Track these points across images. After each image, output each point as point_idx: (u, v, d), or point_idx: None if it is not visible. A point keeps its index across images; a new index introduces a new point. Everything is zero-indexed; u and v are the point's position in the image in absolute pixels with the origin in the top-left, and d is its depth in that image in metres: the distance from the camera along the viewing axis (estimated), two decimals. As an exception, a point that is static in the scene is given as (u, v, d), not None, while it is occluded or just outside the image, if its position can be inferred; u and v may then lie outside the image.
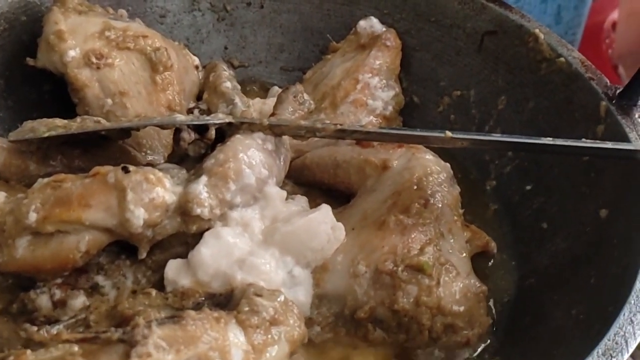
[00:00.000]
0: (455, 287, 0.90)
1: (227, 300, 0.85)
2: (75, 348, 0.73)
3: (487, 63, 1.18)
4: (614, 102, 1.00)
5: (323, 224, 0.92)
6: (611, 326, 0.76)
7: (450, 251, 0.93)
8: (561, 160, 1.05)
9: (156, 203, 0.86)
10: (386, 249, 0.91)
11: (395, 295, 0.89)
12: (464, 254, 0.96)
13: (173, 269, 0.89)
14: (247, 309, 0.80)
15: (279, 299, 0.83)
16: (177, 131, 0.95)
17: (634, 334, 0.76)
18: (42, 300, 0.88)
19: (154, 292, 0.86)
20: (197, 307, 0.82)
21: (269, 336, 0.79)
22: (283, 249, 0.91)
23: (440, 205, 0.96)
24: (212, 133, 0.95)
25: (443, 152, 1.03)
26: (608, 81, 1.04)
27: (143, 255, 0.89)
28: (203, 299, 0.86)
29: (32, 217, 0.85)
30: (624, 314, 0.77)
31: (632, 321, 0.77)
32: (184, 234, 0.89)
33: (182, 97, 1.14)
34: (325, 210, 0.94)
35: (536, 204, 1.07)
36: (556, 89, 1.08)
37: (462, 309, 0.90)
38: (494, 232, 1.08)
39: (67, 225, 0.85)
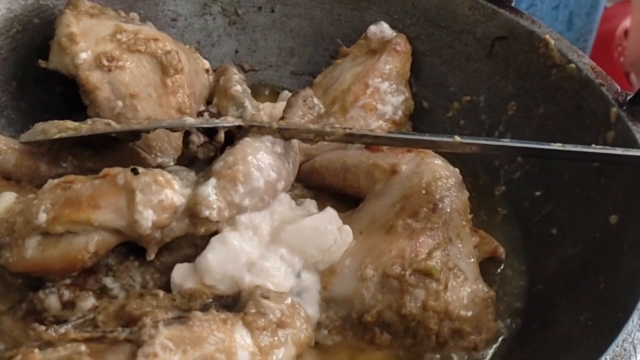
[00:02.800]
0: (463, 292, 0.90)
1: (234, 302, 0.85)
2: (83, 347, 0.73)
3: (498, 69, 1.18)
4: (624, 108, 1.00)
5: (329, 225, 0.92)
6: (620, 332, 0.75)
7: (459, 256, 0.93)
8: (571, 166, 1.05)
9: (165, 205, 0.86)
10: (394, 253, 0.91)
11: (402, 299, 0.89)
12: (472, 259, 0.96)
13: (180, 273, 0.90)
14: (254, 310, 0.80)
15: (286, 302, 0.83)
16: (187, 134, 0.95)
17: (643, 340, 0.76)
18: (51, 301, 0.89)
19: (161, 293, 0.86)
20: (205, 308, 0.83)
21: (276, 338, 0.79)
22: (291, 249, 0.91)
23: (448, 210, 0.95)
24: (222, 136, 0.95)
25: (452, 157, 1.03)
26: (619, 87, 1.03)
27: (151, 256, 0.89)
28: (210, 300, 0.86)
29: (42, 217, 0.85)
30: (633, 320, 0.77)
31: (641, 328, 0.76)
32: (193, 235, 0.89)
33: (192, 100, 1.14)
34: (330, 211, 0.94)
35: (546, 209, 1.06)
36: (566, 94, 1.08)
37: (469, 314, 0.90)
38: (503, 238, 1.08)
39: (76, 226, 0.86)
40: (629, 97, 1.01)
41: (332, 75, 1.27)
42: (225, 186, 0.88)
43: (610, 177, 0.98)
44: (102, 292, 0.91)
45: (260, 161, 0.91)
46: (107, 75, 1.07)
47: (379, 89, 1.20)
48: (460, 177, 1.01)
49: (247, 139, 0.93)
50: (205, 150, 0.97)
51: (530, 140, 1.09)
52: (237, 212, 0.90)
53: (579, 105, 1.06)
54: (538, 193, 1.09)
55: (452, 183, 0.98)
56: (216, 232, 0.90)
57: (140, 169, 0.88)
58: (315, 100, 1.08)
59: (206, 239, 0.90)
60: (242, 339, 0.77)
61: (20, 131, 1.15)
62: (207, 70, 1.21)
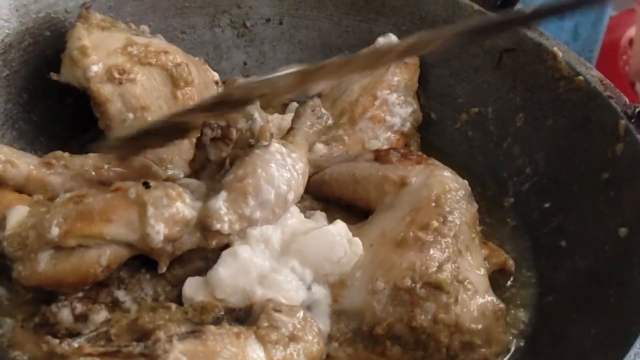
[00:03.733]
0: (473, 305, 0.90)
1: (246, 315, 0.85)
2: None
3: (505, 80, 1.18)
4: (633, 120, 1.00)
5: (338, 237, 0.93)
6: (632, 346, 0.76)
7: (469, 268, 0.93)
8: (579, 178, 1.05)
9: (176, 218, 0.87)
10: (404, 266, 0.91)
11: (413, 312, 0.89)
12: (482, 271, 0.96)
13: (191, 287, 0.90)
14: (266, 324, 0.80)
15: (298, 315, 0.83)
16: (200, 135, 0.96)
17: (654, 355, 0.76)
18: (64, 314, 0.89)
19: (174, 306, 0.87)
20: (217, 322, 0.83)
21: (288, 352, 0.80)
22: (301, 260, 0.92)
23: (458, 223, 0.96)
24: (234, 133, 0.96)
25: (461, 169, 1.04)
26: (627, 100, 1.03)
27: (163, 269, 0.90)
28: (222, 313, 0.86)
29: (55, 231, 0.86)
30: (645, 335, 0.77)
31: (651, 342, 0.76)
32: (204, 249, 0.90)
33: (202, 113, 1.15)
34: (340, 224, 0.95)
35: (555, 221, 1.07)
36: (575, 107, 1.09)
37: (479, 327, 0.90)
38: (512, 249, 1.08)
39: (88, 240, 0.87)
40: (637, 110, 1.01)
41: (340, 87, 1.27)
42: (235, 199, 0.89)
43: (620, 189, 0.98)
44: (115, 305, 0.91)
45: (270, 174, 0.91)
46: (118, 87, 1.08)
47: (387, 101, 1.20)
48: (469, 189, 1.01)
49: (257, 151, 0.93)
50: (217, 151, 0.98)
51: (539, 152, 1.11)
52: (248, 224, 0.91)
53: (587, 118, 1.06)
54: (547, 205, 1.09)
55: (461, 195, 0.99)
56: (227, 245, 0.91)
57: (152, 183, 0.89)
58: (323, 110, 1.08)
59: (217, 252, 0.91)
60: (254, 352, 0.77)
61: (32, 143, 1.16)
62: (216, 82, 1.22)
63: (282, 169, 0.93)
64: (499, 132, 1.20)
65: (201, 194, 0.92)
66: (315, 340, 0.83)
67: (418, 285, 0.90)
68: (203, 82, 1.17)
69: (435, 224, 0.94)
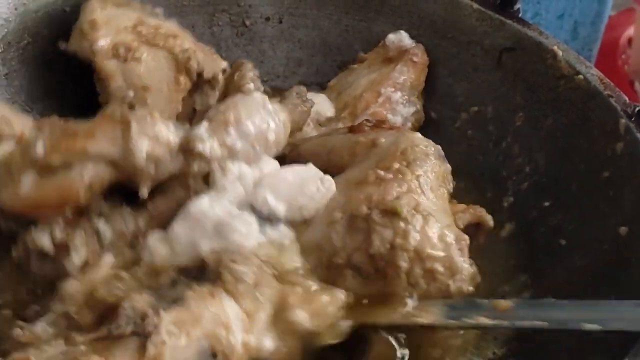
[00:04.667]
0: (433, 231, 0.88)
1: (200, 273, 0.86)
2: (82, 347, 0.74)
3: (505, 80, 1.18)
4: (633, 119, 1.00)
5: (311, 173, 0.95)
6: (632, 348, 0.76)
7: (432, 207, 0.91)
8: (578, 176, 1.05)
9: (159, 137, 0.89)
10: (362, 197, 0.90)
11: (370, 238, 0.87)
12: (447, 215, 0.93)
13: (154, 241, 0.91)
14: (230, 278, 0.81)
15: (254, 262, 0.84)
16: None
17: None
18: (44, 240, 0.89)
19: (125, 274, 0.87)
20: (174, 284, 0.84)
21: (256, 301, 0.81)
22: (275, 194, 0.92)
23: (424, 170, 0.93)
24: (220, 79, 1.01)
25: (460, 168, 1.03)
26: (627, 99, 1.04)
27: (145, 194, 0.91)
28: (177, 274, 0.87)
29: (40, 148, 0.87)
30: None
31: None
32: (186, 176, 0.92)
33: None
34: (311, 165, 0.97)
35: (554, 220, 1.07)
36: (574, 106, 1.09)
37: (440, 253, 0.87)
38: (510, 249, 1.08)
39: (72, 156, 0.88)
40: (637, 109, 1.01)
41: (347, 80, 1.27)
42: (217, 127, 0.92)
43: (620, 188, 0.98)
44: (95, 238, 0.91)
45: (251, 110, 0.95)
46: (122, 65, 1.08)
47: (391, 99, 1.20)
48: (442, 153, 0.98)
49: (239, 94, 0.98)
50: (203, 98, 0.99)
51: (538, 151, 1.11)
52: (229, 154, 0.93)
53: (587, 117, 1.06)
54: (546, 204, 1.09)
55: (431, 151, 0.97)
56: (208, 177, 0.92)
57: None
58: (309, 96, 1.10)
59: (199, 180, 0.92)
60: (231, 308, 0.78)
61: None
62: (223, 71, 1.21)
63: (262, 110, 0.96)
64: (498, 132, 1.20)
65: (184, 128, 0.95)
66: (274, 284, 0.84)
67: (374, 213, 0.88)
68: (210, 70, 1.17)
69: (397, 165, 0.93)
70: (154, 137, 0.89)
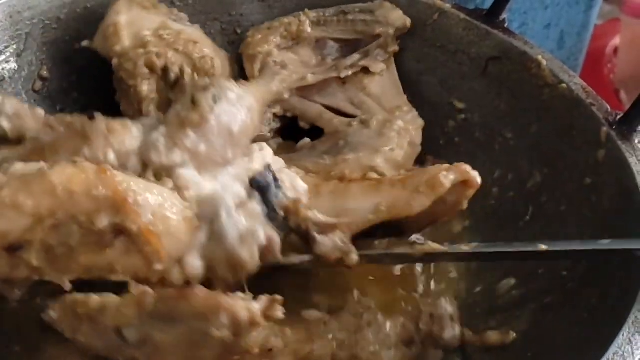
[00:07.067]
0: None
1: None
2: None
3: (492, 88, 1.21)
4: (614, 127, 1.03)
5: None
6: (610, 347, 0.78)
7: None
8: (563, 184, 1.07)
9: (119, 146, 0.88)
10: None
11: None
12: None
13: None
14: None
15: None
16: None
17: (633, 354, 0.78)
18: None
19: None
20: None
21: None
22: None
23: None
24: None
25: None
26: (609, 107, 1.06)
27: None
28: None
29: None
30: (623, 335, 0.79)
31: (630, 341, 0.79)
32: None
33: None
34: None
35: (537, 227, 1.09)
36: (558, 114, 1.11)
37: None
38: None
39: None
40: (618, 117, 1.04)
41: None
42: (173, 132, 0.89)
43: (601, 194, 1.00)
44: None
45: (217, 106, 0.91)
46: (141, 67, 1.10)
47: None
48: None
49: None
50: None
51: (524, 158, 1.13)
52: (192, 157, 0.88)
53: (570, 125, 1.09)
54: (530, 210, 1.11)
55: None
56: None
57: (97, 115, 0.90)
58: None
59: None
60: None
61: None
62: None
63: (223, 102, 0.92)
64: (485, 139, 1.22)
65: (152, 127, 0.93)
66: None
67: None
68: (227, 76, 1.20)
69: None
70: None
